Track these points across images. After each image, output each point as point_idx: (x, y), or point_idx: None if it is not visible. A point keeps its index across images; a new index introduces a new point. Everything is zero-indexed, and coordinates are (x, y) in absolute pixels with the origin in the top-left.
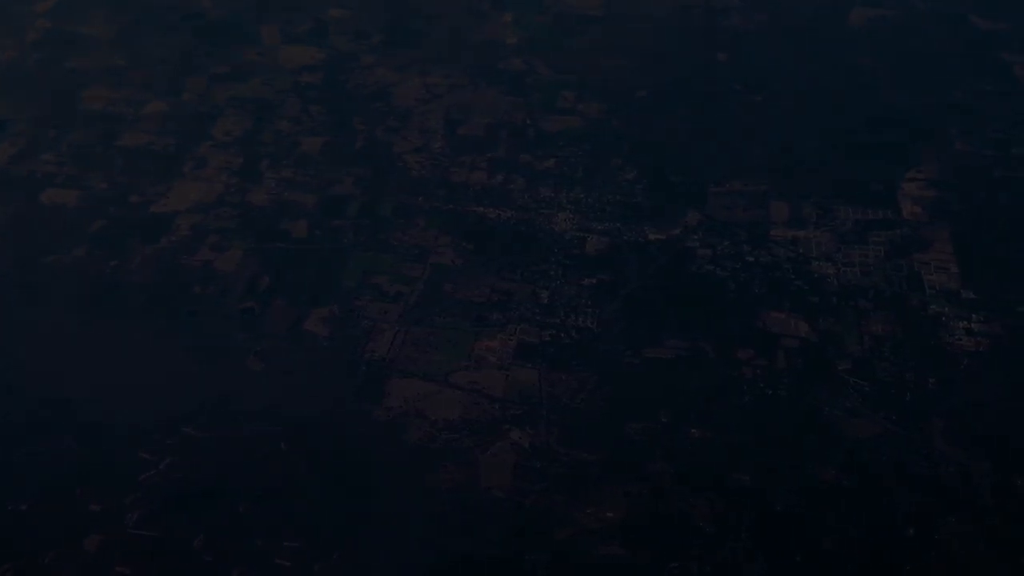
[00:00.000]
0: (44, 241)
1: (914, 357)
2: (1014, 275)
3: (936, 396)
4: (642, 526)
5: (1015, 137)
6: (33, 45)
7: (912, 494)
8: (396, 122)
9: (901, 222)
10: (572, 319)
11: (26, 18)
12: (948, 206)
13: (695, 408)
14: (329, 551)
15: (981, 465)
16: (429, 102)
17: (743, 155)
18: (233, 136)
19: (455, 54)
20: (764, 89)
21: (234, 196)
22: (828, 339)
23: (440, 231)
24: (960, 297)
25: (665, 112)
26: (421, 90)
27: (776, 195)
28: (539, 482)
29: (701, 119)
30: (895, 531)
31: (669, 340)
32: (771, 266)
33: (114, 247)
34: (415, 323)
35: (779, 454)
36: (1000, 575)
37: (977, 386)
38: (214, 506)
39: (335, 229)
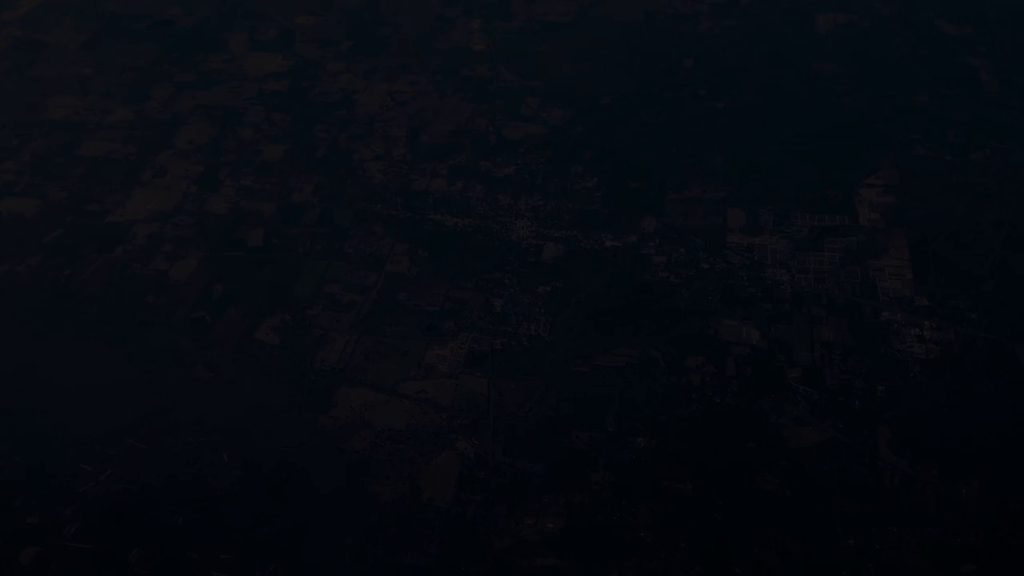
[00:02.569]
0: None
1: (864, 364)
2: (969, 281)
3: (885, 404)
4: (582, 536)
5: (976, 142)
6: (1, 53)
7: (855, 503)
8: (359, 129)
9: (857, 228)
10: (524, 327)
11: None
12: (906, 212)
13: (642, 417)
14: (266, 563)
15: (927, 473)
16: (393, 109)
17: (704, 161)
18: (195, 144)
19: (422, 61)
20: (727, 95)
21: (192, 204)
22: (779, 346)
23: (397, 239)
24: (913, 304)
25: (628, 118)
26: (386, 97)
27: (734, 201)
28: (481, 492)
29: (664, 125)
30: (835, 540)
31: (620, 348)
32: (725, 273)
33: (69, 256)
34: (367, 332)
35: (723, 463)
36: None
37: (927, 394)
38: (153, 518)
39: (292, 237)
